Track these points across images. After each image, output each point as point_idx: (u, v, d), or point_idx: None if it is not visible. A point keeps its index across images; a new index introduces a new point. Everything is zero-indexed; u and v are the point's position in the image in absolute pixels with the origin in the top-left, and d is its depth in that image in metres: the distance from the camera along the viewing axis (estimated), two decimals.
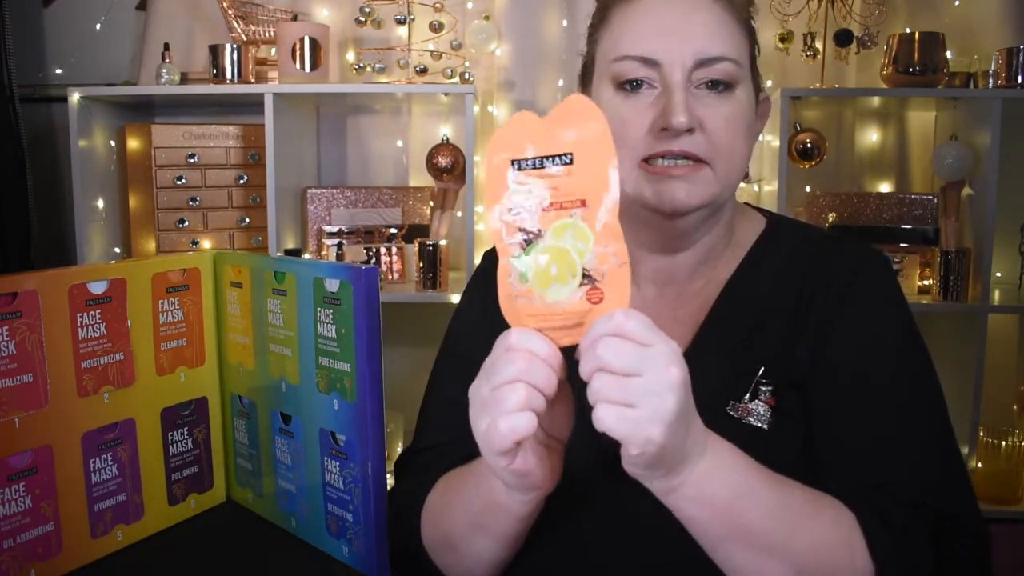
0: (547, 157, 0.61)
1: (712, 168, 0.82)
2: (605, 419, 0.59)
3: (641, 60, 0.82)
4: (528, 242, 0.61)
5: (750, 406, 0.83)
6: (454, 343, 1.00)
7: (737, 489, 0.68)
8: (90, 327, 0.87)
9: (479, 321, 0.97)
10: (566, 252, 0.61)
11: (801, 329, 0.85)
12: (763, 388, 0.83)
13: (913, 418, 0.80)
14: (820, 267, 0.87)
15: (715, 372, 0.85)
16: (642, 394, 0.59)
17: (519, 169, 0.61)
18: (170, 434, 0.96)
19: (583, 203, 0.60)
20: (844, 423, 0.81)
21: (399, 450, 2.09)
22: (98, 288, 0.88)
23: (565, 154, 0.60)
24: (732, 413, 0.83)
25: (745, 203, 0.99)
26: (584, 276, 0.61)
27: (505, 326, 0.64)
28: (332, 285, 0.83)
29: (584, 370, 0.60)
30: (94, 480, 0.88)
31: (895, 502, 0.75)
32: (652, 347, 0.59)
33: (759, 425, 0.82)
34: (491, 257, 1.05)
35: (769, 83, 2.06)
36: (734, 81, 0.83)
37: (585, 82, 0.92)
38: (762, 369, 0.84)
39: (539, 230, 0.61)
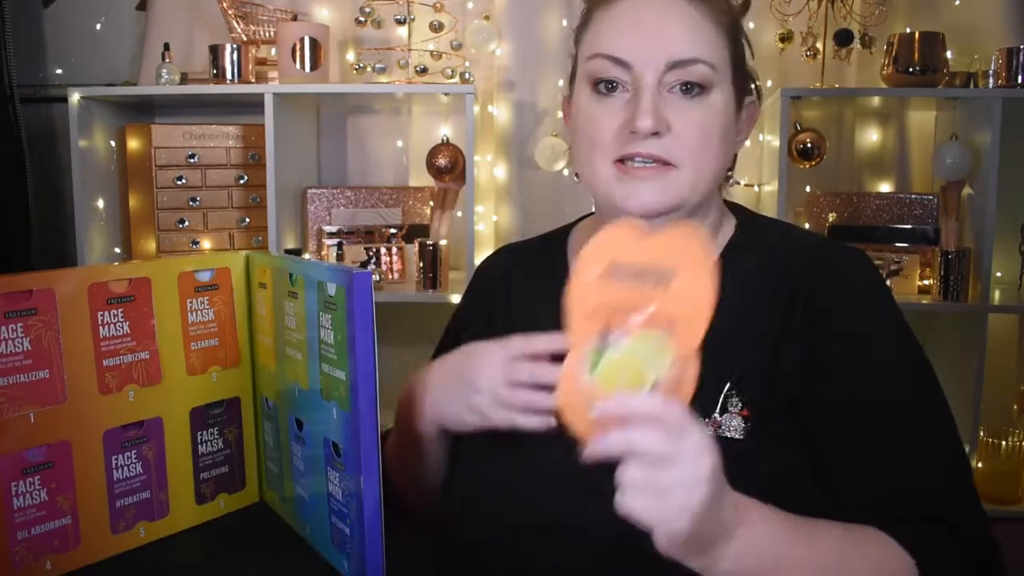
0: (649, 267, 0.60)
1: (680, 171, 0.82)
2: (632, 506, 0.59)
3: (612, 59, 0.83)
4: (607, 343, 0.61)
5: (720, 419, 0.81)
6: (452, 335, 1.05)
7: (775, 558, 0.68)
8: (112, 325, 0.87)
9: (478, 322, 0.99)
10: (640, 364, 0.60)
11: (778, 338, 0.82)
12: (733, 400, 0.81)
13: (909, 426, 0.79)
14: (795, 273, 0.84)
15: None
16: (674, 485, 0.59)
17: (617, 271, 0.61)
18: (199, 433, 0.96)
19: (671, 323, 0.59)
20: (839, 439, 0.79)
21: None
22: (120, 286, 0.88)
23: (667, 270, 0.59)
24: None
25: (725, 201, 0.96)
26: (652, 391, 0.60)
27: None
28: (332, 289, 0.82)
29: (611, 448, 0.60)
30: (116, 477, 0.88)
31: (917, 522, 0.74)
32: (687, 436, 0.59)
33: (732, 435, 0.80)
34: (493, 261, 1.07)
35: (770, 83, 2.06)
36: (708, 84, 0.82)
37: (571, 85, 0.92)
38: (728, 384, 0.81)
39: (620, 335, 0.61)
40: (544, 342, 0.80)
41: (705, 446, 0.60)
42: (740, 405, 0.81)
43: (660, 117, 0.81)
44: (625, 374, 0.60)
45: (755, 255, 0.88)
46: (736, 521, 0.65)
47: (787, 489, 0.77)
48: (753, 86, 0.93)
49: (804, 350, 0.81)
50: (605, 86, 0.84)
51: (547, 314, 0.79)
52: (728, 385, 0.81)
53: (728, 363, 0.82)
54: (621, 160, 0.83)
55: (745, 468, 0.75)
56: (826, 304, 0.82)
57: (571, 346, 0.62)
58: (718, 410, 0.81)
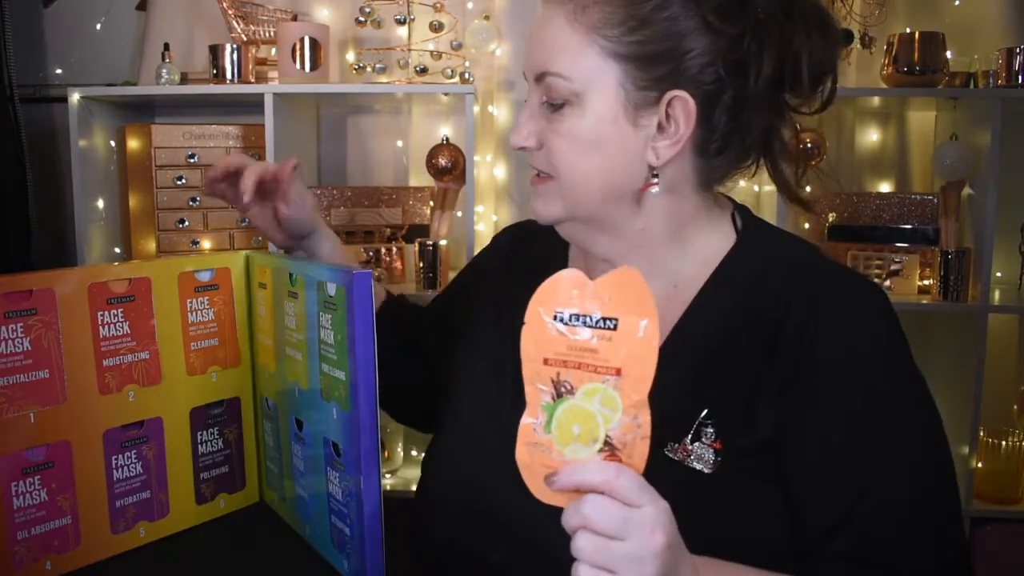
0: (589, 316, 0.60)
1: (557, 182, 0.83)
2: None
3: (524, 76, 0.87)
4: (559, 395, 0.61)
5: (690, 447, 0.78)
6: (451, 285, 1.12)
7: None
8: (112, 325, 0.87)
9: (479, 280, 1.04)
10: (592, 416, 0.60)
11: (766, 369, 0.78)
12: (706, 430, 0.78)
13: (891, 477, 0.75)
14: (791, 301, 0.80)
15: (659, 406, 0.79)
16: (623, 560, 0.58)
17: (561, 322, 0.61)
18: (199, 433, 0.96)
19: (618, 372, 0.59)
20: (818, 494, 0.76)
21: (400, 454, 2.09)
22: (120, 286, 0.88)
23: (609, 319, 0.60)
24: (670, 455, 0.78)
25: (729, 199, 0.91)
26: (606, 443, 0.60)
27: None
28: (332, 289, 0.83)
29: (568, 523, 0.60)
30: (116, 477, 0.89)
31: None
32: (640, 509, 0.59)
33: (701, 468, 0.77)
34: (513, 232, 1.09)
35: None
36: (566, 97, 0.80)
37: None
38: (705, 411, 0.79)
39: (571, 386, 0.61)
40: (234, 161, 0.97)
41: (658, 520, 0.59)
42: (713, 436, 0.78)
43: (522, 133, 0.84)
44: (578, 427, 0.60)
45: (749, 277, 0.84)
46: None
47: (753, 527, 0.76)
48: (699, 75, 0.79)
49: (787, 376, 0.78)
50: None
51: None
52: (704, 413, 0.79)
53: (707, 390, 0.80)
54: None
55: (710, 503, 0.74)
56: (817, 325, 0.78)
57: (527, 401, 0.62)
58: (690, 437, 0.79)
